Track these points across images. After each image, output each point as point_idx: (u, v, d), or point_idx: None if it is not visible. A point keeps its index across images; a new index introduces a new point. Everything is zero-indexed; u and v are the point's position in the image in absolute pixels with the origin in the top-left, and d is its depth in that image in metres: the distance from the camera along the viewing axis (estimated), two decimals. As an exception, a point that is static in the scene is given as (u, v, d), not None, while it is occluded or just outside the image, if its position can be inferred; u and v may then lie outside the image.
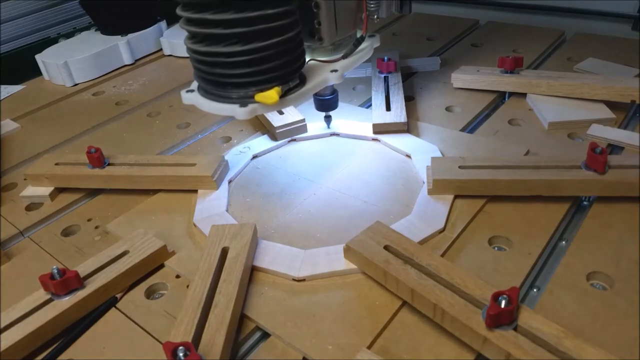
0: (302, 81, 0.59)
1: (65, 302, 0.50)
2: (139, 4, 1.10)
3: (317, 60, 0.63)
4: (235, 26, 0.52)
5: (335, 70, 0.61)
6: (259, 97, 0.54)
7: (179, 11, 0.55)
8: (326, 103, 0.70)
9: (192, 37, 0.56)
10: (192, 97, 0.59)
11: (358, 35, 0.67)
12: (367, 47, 0.67)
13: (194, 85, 0.61)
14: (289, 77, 0.57)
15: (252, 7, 0.51)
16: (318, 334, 0.46)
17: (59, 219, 0.67)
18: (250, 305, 0.50)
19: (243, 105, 0.54)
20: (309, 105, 0.84)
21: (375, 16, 0.69)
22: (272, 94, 0.53)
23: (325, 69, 0.62)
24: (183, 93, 0.60)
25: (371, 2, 0.68)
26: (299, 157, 0.72)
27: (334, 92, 0.69)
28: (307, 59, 0.62)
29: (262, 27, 0.52)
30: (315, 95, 0.69)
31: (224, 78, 0.55)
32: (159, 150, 0.78)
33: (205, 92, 0.58)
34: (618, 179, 0.56)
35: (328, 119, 0.75)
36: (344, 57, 0.64)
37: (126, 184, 0.68)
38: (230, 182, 0.68)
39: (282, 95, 0.55)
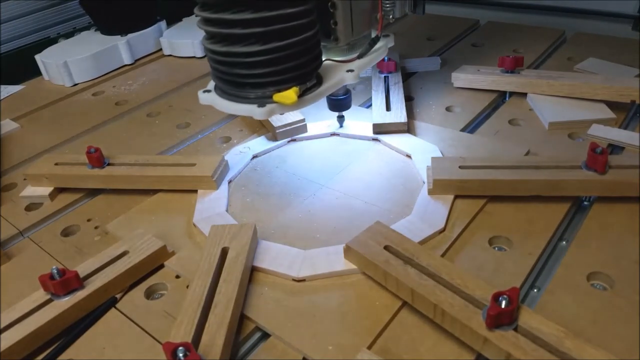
0: (319, 81, 0.60)
1: (65, 302, 0.50)
2: (139, 4, 1.10)
3: (332, 60, 0.63)
4: (254, 26, 0.52)
5: (352, 70, 0.61)
6: (278, 97, 0.54)
7: (197, 11, 0.55)
8: (340, 103, 0.70)
9: (210, 38, 0.56)
10: (210, 98, 0.59)
11: (373, 35, 0.67)
12: (382, 46, 0.67)
13: (211, 85, 0.61)
14: (307, 77, 0.57)
15: (270, 6, 0.52)
16: (318, 334, 0.46)
17: (58, 219, 0.67)
18: (250, 306, 0.50)
19: (261, 105, 0.55)
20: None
21: (391, 16, 0.69)
22: (290, 94, 0.54)
23: (341, 68, 0.62)
24: (200, 93, 0.60)
25: (386, 2, 0.68)
26: (299, 157, 0.72)
27: (347, 92, 0.69)
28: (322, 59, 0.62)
29: (280, 26, 0.53)
30: (329, 95, 0.69)
31: (242, 78, 0.55)
32: (158, 150, 0.78)
33: (222, 92, 0.58)
34: (618, 179, 0.56)
35: (341, 119, 0.75)
36: (360, 56, 0.64)
37: (126, 184, 0.68)
38: (230, 182, 0.68)
39: (300, 95, 0.55)
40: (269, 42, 0.53)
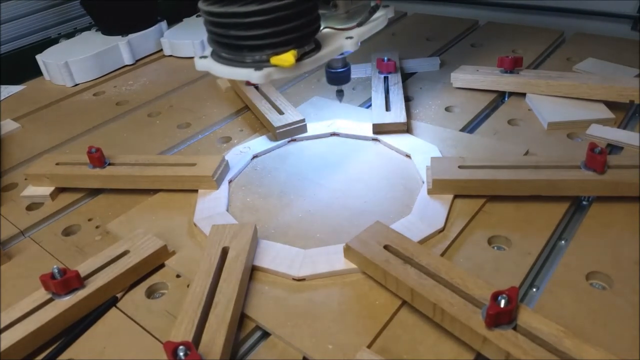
0: (318, 47, 0.58)
1: (65, 302, 0.50)
2: (140, 4, 1.10)
3: (331, 28, 0.62)
4: None
5: (351, 37, 0.60)
6: (275, 60, 0.53)
7: None
8: (339, 76, 0.69)
9: None
10: (206, 63, 0.58)
11: (372, 4, 0.65)
12: (382, 16, 0.65)
13: (208, 51, 0.60)
14: (305, 40, 0.56)
15: None
16: (318, 334, 0.46)
17: (59, 219, 0.67)
18: (250, 305, 0.50)
19: (258, 69, 0.53)
20: (309, 104, 0.84)
21: None
22: (288, 57, 0.52)
23: (340, 36, 0.61)
24: (197, 59, 0.59)
25: None
26: (299, 157, 0.73)
27: (346, 64, 0.68)
28: (321, 27, 0.61)
29: None
30: (328, 68, 0.68)
31: (239, 40, 0.54)
32: (159, 150, 0.78)
33: (219, 57, 0.57)
34: (617, 178, 0.56)
35: (340, 93, 0.74)
36: (359, 25, 0.63)
37: (127, 184, 0.68)
38: (230, 182, 0.68)
39: (298, 60, 0.54)
40: (267, 1, 0.51)
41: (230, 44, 0.55)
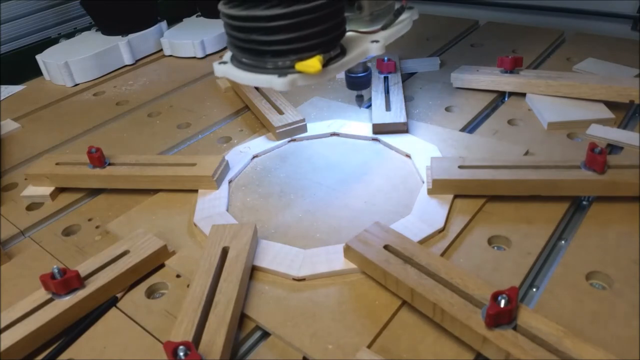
0: (343, 52, 0.56)
1: (65, 302, 0.50)
2: (140, 4, 1.11)
3: (356, 32, 0.60)
4: None
5: (377, 41, 0.58)
6: (300, 66, 0.50)
7: None
8: (358, 81, 0.67)
9: (228, 2, 0.53)
10: (226, 69, 0.56)
11: (397, 7, 0.64)
12: (407, 19, 0.64)
13: (227, 56, 0.58)
14: (331, 45, 0.54)
15: None
16: (318, 334, 0.47)
17: (59, 219, 0.67)
18: (250, 305, 0.50)
19: (282, 75, 0.51)
20: (309, 104, 0.84)
21: None
22: (314, 63, 0.50)
23: (365, 40, 0.59)
24: (215, 65, 0.57)
25: None
26: (299, 157, 0.73)
27: (367, 69, 0.67)
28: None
29: None
30: (348, 72, 0.66)
31: (262, 45, 0.51)
32: (159, 150, 0.78)
33: (239, 63, 0.55)
34: (617, 179, 0.56)
35: (360, 98, 0.72)
36: (384, 28, 0.61)
37: (127, 184, 0.68)
38: (230, 182, 0.68)
39: (324, 65, 0.52)
40: (292, 5, 0.49)
41: (252, 49, 0.53)
